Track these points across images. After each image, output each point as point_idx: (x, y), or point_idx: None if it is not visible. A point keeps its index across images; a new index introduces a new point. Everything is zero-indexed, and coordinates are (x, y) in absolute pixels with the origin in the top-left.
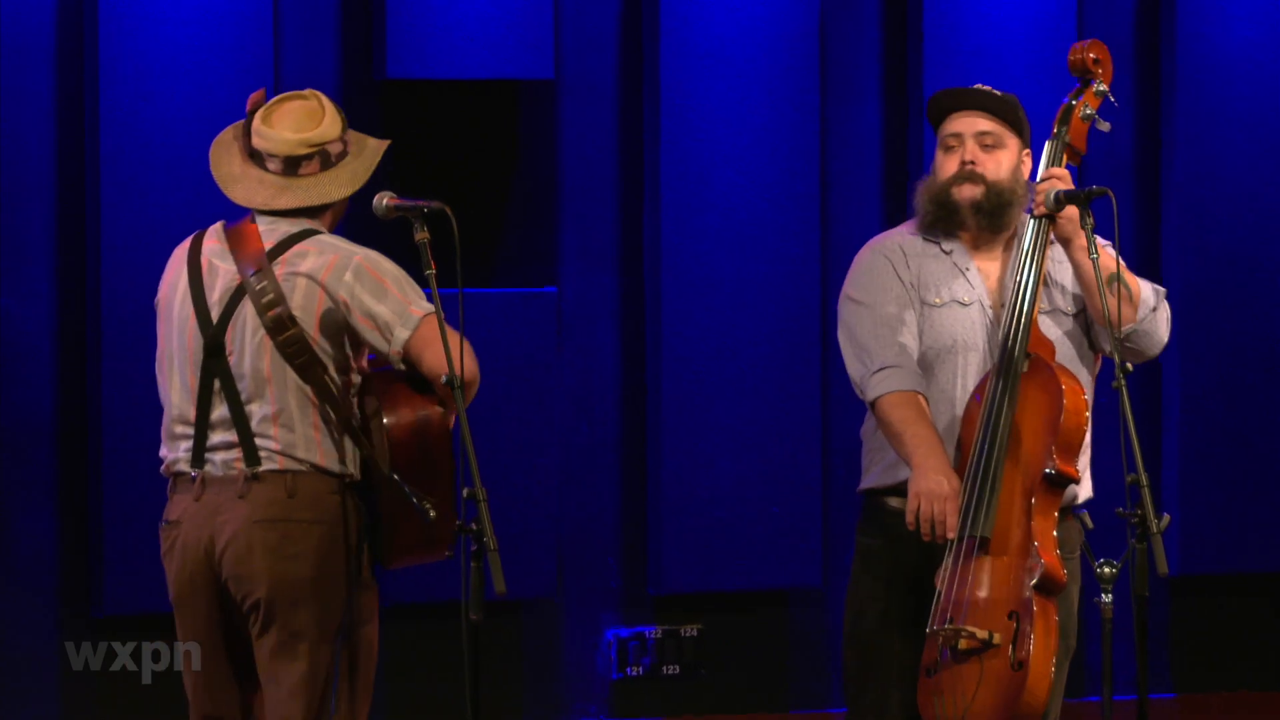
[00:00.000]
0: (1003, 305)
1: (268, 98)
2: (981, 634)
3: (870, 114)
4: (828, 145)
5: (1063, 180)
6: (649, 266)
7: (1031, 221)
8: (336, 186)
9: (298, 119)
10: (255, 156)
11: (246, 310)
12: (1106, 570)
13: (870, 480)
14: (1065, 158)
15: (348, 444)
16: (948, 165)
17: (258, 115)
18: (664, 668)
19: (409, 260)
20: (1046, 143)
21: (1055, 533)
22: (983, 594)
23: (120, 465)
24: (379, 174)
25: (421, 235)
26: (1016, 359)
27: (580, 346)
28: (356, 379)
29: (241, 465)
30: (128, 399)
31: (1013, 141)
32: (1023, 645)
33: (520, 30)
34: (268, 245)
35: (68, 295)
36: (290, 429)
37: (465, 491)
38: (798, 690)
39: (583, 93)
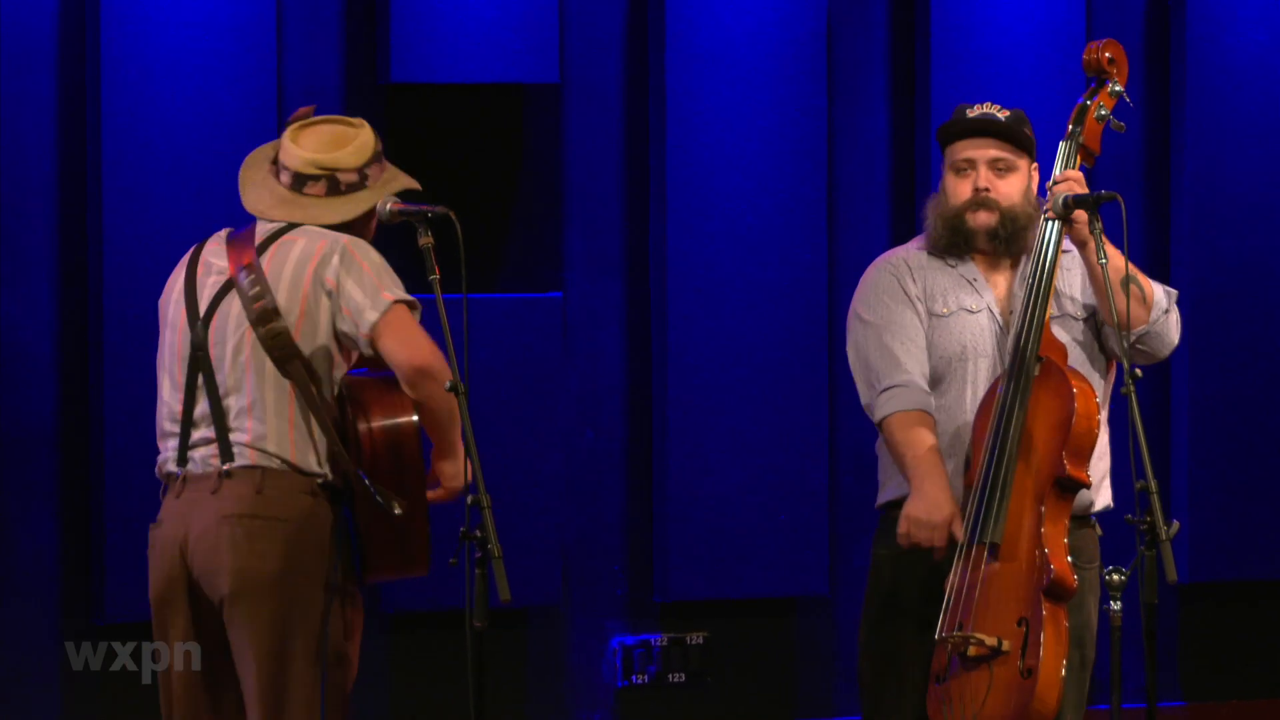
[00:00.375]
0: (1012, 312)
1: (286, 107)
2: (990, 641)
3: (878, 118)
4: (835, 149)
5: (1077, 183)
6: (655, 272)
7: (1044, 224)
8: (329, 214)
9: (323, 140)
10: (276, 165)
11: (233, 304)
12: (1115, 578)
13: (887, 494)
14: (1080, 159)
15: (324, 443)
16: (960, 190)
17: (292, 127)
18: (670, 676)
19: (413, 265)
20: (1061, 143)
21: (1066, 539)
22: (992, 600)
23: (122, 471)
24: None
25: (425, 240)
26: (1028, 362)
27: (585, 352)
28: (338, 376)
29: (217, 461)
30: (129, 404)
31: (1023, 162)
32: (1032, 652)
33: (525, 34)
34: (259, 240)
35: (69, 300)
36: (263, 421)
37: (469, 498)
38: (804, 699)
39: (588, 97)
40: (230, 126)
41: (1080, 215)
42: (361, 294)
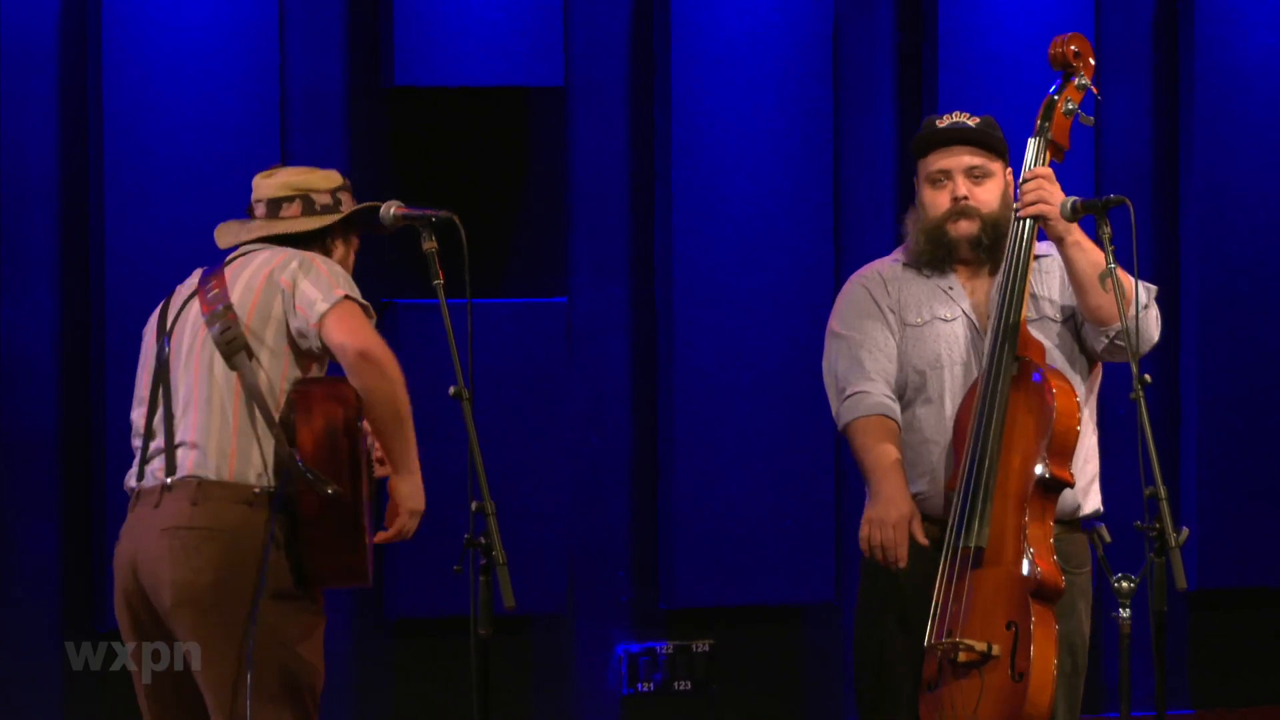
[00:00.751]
0: (989, 318)
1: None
2: (980, 646)
3: (884, 121)
4: (841, 152)
5: (1047, 179)
6: (660, 276)
7: (1015, 224)
8: (309, 225)
9: (291, 171)
10: (249, 212)
11: (192, 309)
12: (1124, 585)
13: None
14: (1049, 155)
15: (268, 445)
16: (939, 201)
17: (258, 176)
18: (675, 683)
19: (417, 270)
20: (1030, 140)
21: (1051, 539)
22: (980, 605)
23: (123, 476)
24: (387, 182)
25: (429, 245)
26: (1005, 363)
27: (590, 358)
28: (292, 377)
29: (161, 475)
30: (131, 409)
31: (998, 167)
32: (1023, 655)
33: (530, 36)
34: (227, 258)
35: (70, 305)
36: (207, 417)
37: (474, 505)
38: (811, 707)
39: (593, 100)
40: (232, 130)
41: (1052, 212)
42: (315, 289)
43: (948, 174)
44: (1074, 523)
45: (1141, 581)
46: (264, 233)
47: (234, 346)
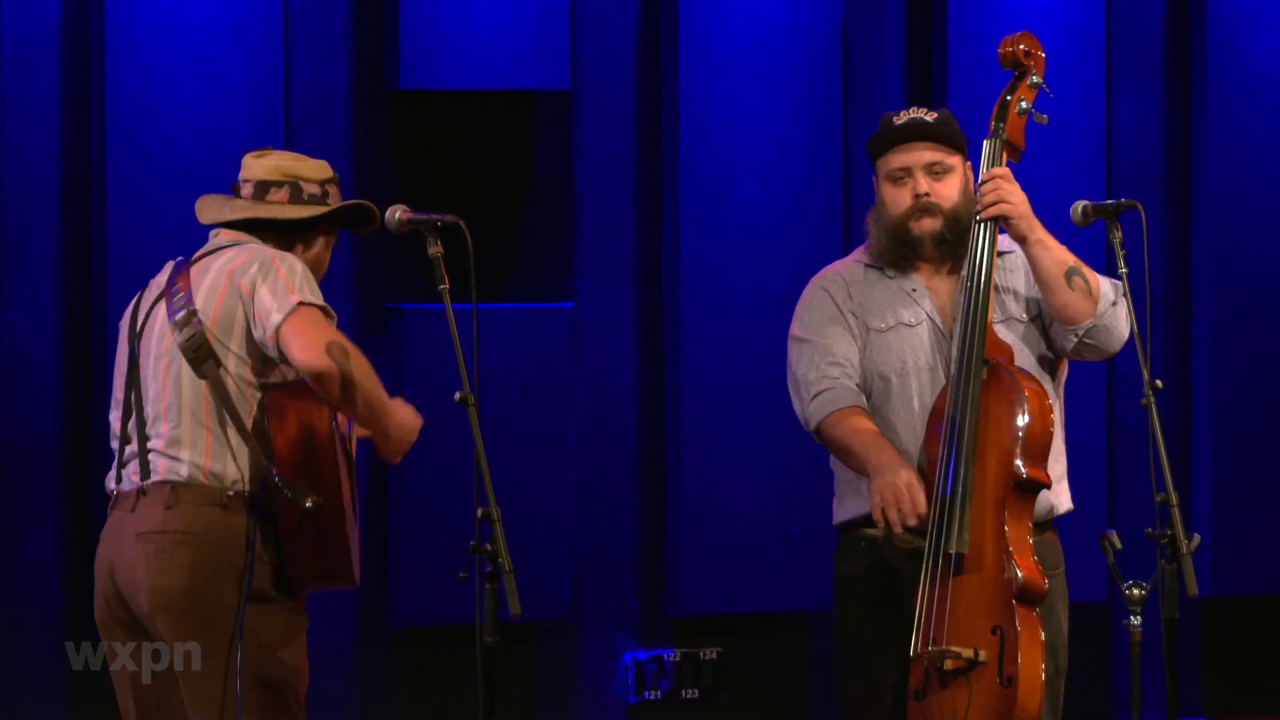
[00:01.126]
0: (954, 320)
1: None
2: (966, 652)
3: None
4: (850, 156)
5: (1005, 179)
6: (667, 281)
7: (977, 226)
8: (293, 213)
9: (284, 157)
10: (235, 189)
11: (159, 313)
12: (1135, 592)
13: (845, 513)
14: (1005, 155)
15: (241, 451)
16: (900, 199)
17: (249, 155)
18: (683, 691)
19: (422, 275)
20: (985, 142)
21: (1031, 540)
22: (963, 612)
23: None
24: (392, 186)
25: (435, 249)
26: (974, 367)
27: (597, 363)
28: (257, 381)
29: (137, 479)
30: None
31: (957, 161)
32: (1010, 660)
33: (536, 40)
34: (195, 256)
35: (72, 309)
36: (178, 426)
37: (479, 511)
38: (818, 714)
39: (599, 104)
40: (235, 133)
41: (1021, 209)
42: (270, 297)
43: (908, 171)
44: (1046, 524)
45: (1153, 588)
46: (248, 214)
47: (200, 354)
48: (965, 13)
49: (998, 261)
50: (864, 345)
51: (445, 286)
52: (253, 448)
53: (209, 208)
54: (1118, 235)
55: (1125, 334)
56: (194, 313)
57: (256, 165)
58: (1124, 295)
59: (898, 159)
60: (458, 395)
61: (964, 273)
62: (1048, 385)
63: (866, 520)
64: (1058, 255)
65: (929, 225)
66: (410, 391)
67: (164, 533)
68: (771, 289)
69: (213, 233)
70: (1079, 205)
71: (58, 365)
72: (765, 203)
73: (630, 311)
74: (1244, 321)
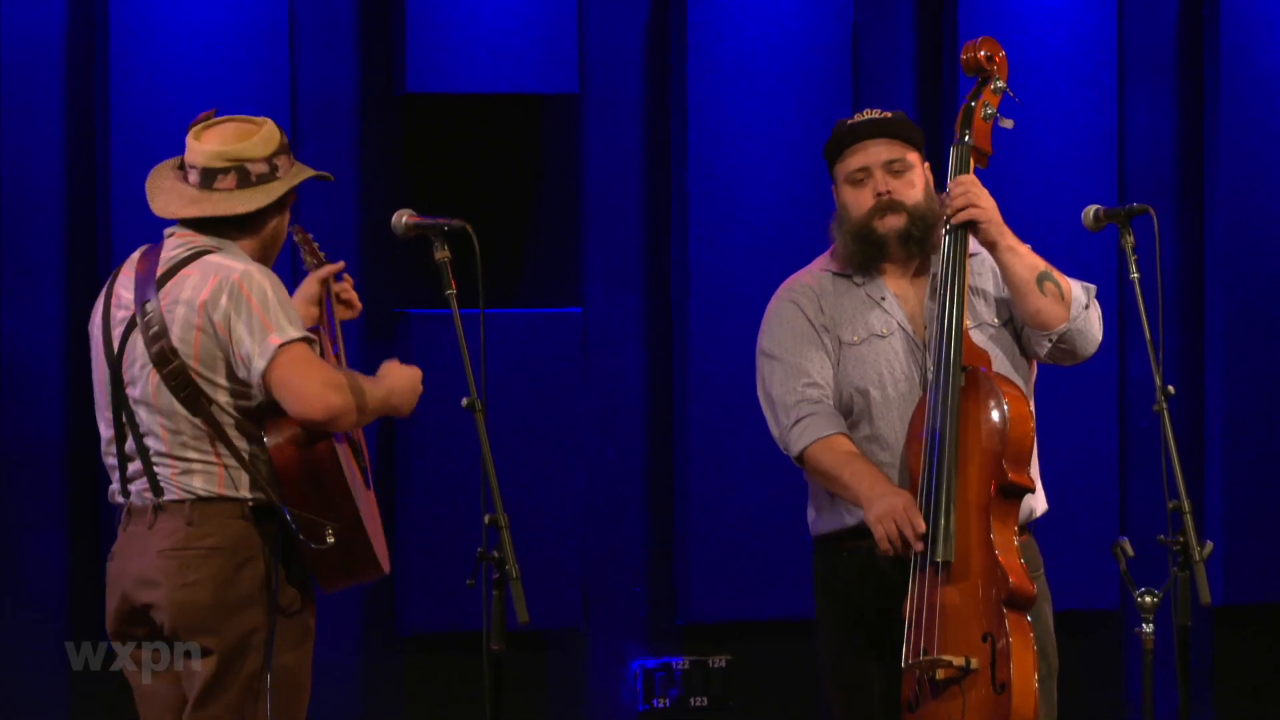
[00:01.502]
0: (926, 328)
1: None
2: (958, 661)
3: None
4: None
5: (973, 184)
6: (676, 286)
7: (947, 235)
8: (244, 203)
9: (227, 135)
10: (183, 170)
11: (137, 343)
12: (1148, 599)
13: (826, 525)
14: (973, 162)
15: (251, 469)
16: (861, 200)
17: (194, 129)
18: (692, 700)
19: (429, 280)
20: (951, 149)
21: (1017, 544)
22: (953, 620)
23: None
24: (399, 190)
25: (442, 254)
26: (953, 375)
27: (605, 369)
28: (254, 410)
29: (150, 495)
30: None
31: (916, 158)
32: (1002, 666)
33: (544, 43)
34: (160, 271)
35: (76, 316)
36: (185, 459)
37: (487, 518)
38: None
39: (608, 107)
40: None
41: (990, 215)
42: (250, 339)
43: (867, 171)
44: (1023, 528)
45: (1165, 596)
46: (197, 211)
47: (190, 393)
48: (976, 17)
49: (969, 263)
50: (837, 360)
51: (452, 291)
52: (257, 473)
53: (160, 192)
54: (1130, 240)
55: (1099, 337)
56: (174, 351)
57: (199, 151)
58: (1095, 298)
59: (855, 159)
60: (465, 401)
61: (936, 280)
62: (1024, 389)
63: (850, 533)
64: (1029, 261)
65: (893, 223)
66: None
67: (187, 549)
68: None
69: (167, 231)
70: (1091, 210)
71: (62, 371)
72: (775, 207)
73: (639, 317)
74: (1257, 327)
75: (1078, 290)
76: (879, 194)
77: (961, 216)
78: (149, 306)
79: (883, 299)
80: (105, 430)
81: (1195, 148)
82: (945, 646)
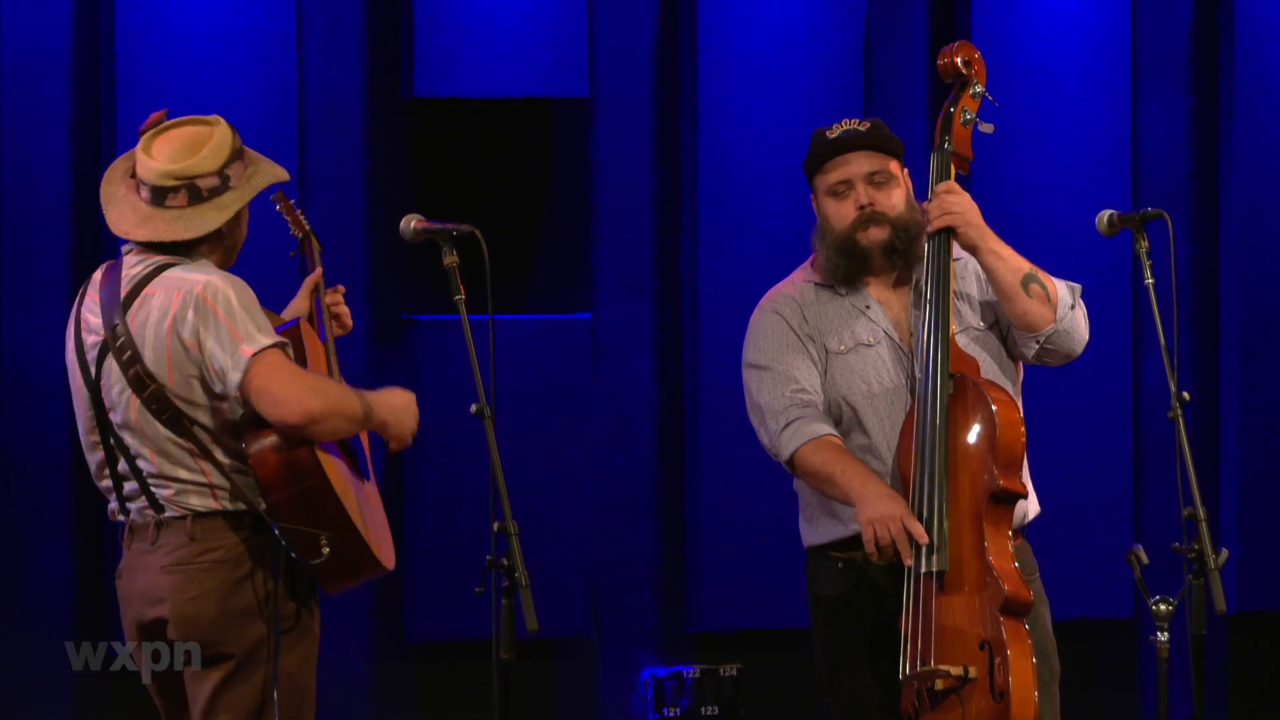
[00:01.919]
0: (912, 334)
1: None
2: (956, 670)
3: (917, 133)
4: None
5: (952, 190)
6: (686, 292)
7: (929, 241)
8: (197, 223)
9: (176, 148)
10: (135, 179)
11: (112, 369)
12: (1163, 607)
13: (819, 536)
14: (954, 168)
15: (239, 480)
16: (843, 212)
17: (145, 136)
18: (702, 709)
19: (438, 285)
20: (932, 155)
21: (1011, 550)
22: (950, 629)
23: None
24: (408, 195)
25: (450, 259)
26: (940, 383)
27: (615, 375)
28: (233, 418)
29: (151, 513)
30: None
31: (896, 167)
32: (1001, 674)
33: (554, 47)
34: (124, 292)
35: None
36: (178, 479)
37: (496, 525)
38: None
39: (618, 111)
40: (249, 143)
41: (971, 218)
42: (221, 353)
43: (848, 184)
44: (1017, 532)
45: (1180, 604)
46: (149, 233)
47: (171, 415)
48: (989, 21)
49: (952, 267)
50: (824, 369)
51: (461, 297)
52: (247, 481)
53: (114, 202)
54: (1144, 245)
55: (1085, 337)
56: (150, 375)
57: (149, 167)
58: (1081, 298)
59: (836, 173)
60: (474, 407)
61: (922, 288)
62: (1011, 392)
63: (843, 543)
64: (1013, 264)
65: (876, 235)
66: (425, 404)
67: (190, 563)
68: None
69: (125, 248)
70: (1105, 214)
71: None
72: (786, 212)
73: (649, 322)
74: (1272, 332)
75: (1063, 290)
76: (861, 206)
77: (940, 223)
78: (118, 330)
79: (867, 308)
80: (94, 455)
81: (1209, 152)
82: (943, 656)
